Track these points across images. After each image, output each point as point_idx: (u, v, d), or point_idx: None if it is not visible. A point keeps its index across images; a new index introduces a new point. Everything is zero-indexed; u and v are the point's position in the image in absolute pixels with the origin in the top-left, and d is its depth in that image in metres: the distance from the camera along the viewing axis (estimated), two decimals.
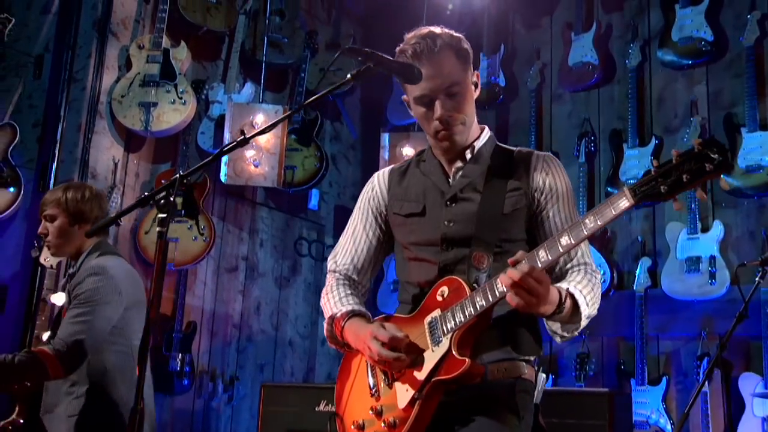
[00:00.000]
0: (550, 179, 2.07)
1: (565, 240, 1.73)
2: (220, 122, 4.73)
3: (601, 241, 4.87)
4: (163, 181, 4.46)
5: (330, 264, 2.29)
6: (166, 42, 4.42)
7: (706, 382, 4.24)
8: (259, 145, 4.59)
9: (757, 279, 3.18)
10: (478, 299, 1.84)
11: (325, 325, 2.17)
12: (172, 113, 4.28)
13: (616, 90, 5.06)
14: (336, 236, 5.74)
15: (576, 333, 1.95)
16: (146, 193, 1.77)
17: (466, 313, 1.86)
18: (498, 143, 2.18)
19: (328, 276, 2.28)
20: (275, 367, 5.31)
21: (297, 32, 5.32)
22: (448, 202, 2.07)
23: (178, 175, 1.74)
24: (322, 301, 2.22)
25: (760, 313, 4.18)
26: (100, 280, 2.67)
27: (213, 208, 4.98)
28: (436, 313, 1.95)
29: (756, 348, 4.23)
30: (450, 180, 2.11)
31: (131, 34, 4.54)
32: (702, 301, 4.41)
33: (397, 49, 2.07)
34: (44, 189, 4.03)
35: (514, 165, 2.09)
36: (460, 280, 1.94)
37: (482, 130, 2.17)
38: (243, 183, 4.70)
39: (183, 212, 4.39)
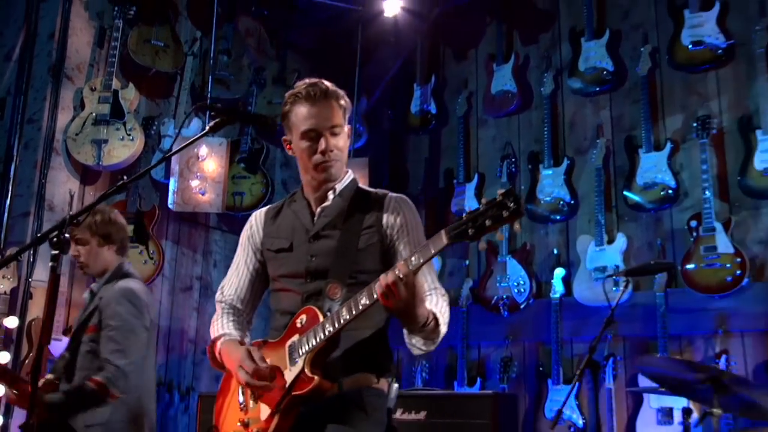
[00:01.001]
0: (401, 218, 2.32)
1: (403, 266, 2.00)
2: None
3: (522, 254, 5.32)
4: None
5: (218, 296, 2.53)
6: (116, 84, 4.86)
7: (608, 380, 4.75)
8: (204, 175, 5.04)
9: (620, 289, 3.62)
10: (327, 326, 2.11)
11: (207, 349, 2.48)
12: (122, 149, 4.73)
13: (534, 115, 5.52)
14: None
15: (432, 348, 2.21)
16: (39, 234, 2.19)
17: (317, 338, 2.12)
18: (359, 186, 2.44)
19: (216, 306, 2.53)
20: None
21: (243, 69, 5.78)
22: (312, 239, 2.32)
23: (67, 216, 2.13)
24: (210, 329, 2.48)
25: (656, 316, 4.65)
26: (134, 305, 3.14)
27: (167, 233, 5.42)
28: (295, 338, 2.20)
29: (654, 347, 4.67)
30: (315, 219, 2.36)
31: (85, 76, 4.99)
32: (608, 306, 4.83)
33: (289, 92, 2.35)
34: None
35: (370, 205, 2.35)
36: (315, 309, 2.19)
37: (346, 174, 2.41)
38: (191, 210, 5.14)
39: (134, 238, 4.81)
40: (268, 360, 2.19)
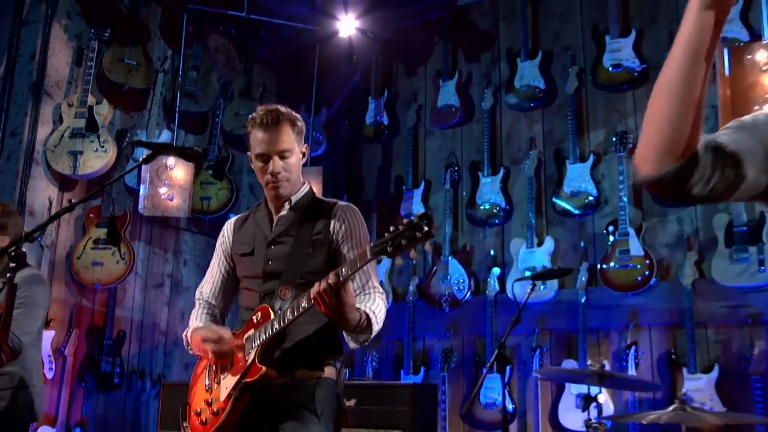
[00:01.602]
0: (345, 225, 2.60)
1: (345, 269, 2.26)
2: None
3: (462, 255, 5.85)
4: (91, 215, 5.43)
5: (197, 293, 2.86)
6: (91, 100, 5.36)
7: (535, 369, 5.27)
8: (172, 183, 5.54)
9: (528, 291, 4.12)
10: (275, 323, 2.42)
11: (183, 338, 2.78)
12: (96, 159, 5.23)
13: (475, 128, 6.03)
14: None
15: (365, 343, 2.49)
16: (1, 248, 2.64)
17: (266, 333, 2.43)
18: (315, 196, 2.75)
19: (195, 302, 2.85)
20: None
21: (211, 84, 6.29)
22: (269, 245, 2.64)
23: (24, 233, 2.62)
24: (189, 321, 2.82)
25: (578, 312, 5.17)
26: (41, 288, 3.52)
27: (141, 234, 5.93)
28: (251, 332, 2.51)
29: (575, 340, 5.20)
30: (272, 227, 2.67)
31: (64, 93, 5.49)
32: (537, 303, 5.36)
33: (249, 116, 2.64)
34: None
35: (321, 213, 2.65)
36: (268, 307, 2.49)
37: (302, 185, 2.71)
38: (160, 214, 5.64)
39: (108, 240, 5.31)
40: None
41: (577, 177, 5.38)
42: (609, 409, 4.91)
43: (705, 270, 4.84)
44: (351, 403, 4.05)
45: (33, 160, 5.22)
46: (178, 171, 5.64)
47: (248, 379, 2.46)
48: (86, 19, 5.65)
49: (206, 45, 6.43)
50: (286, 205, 2.68)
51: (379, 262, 5.40)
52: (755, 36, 4.86)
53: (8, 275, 2.45)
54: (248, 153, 2.71)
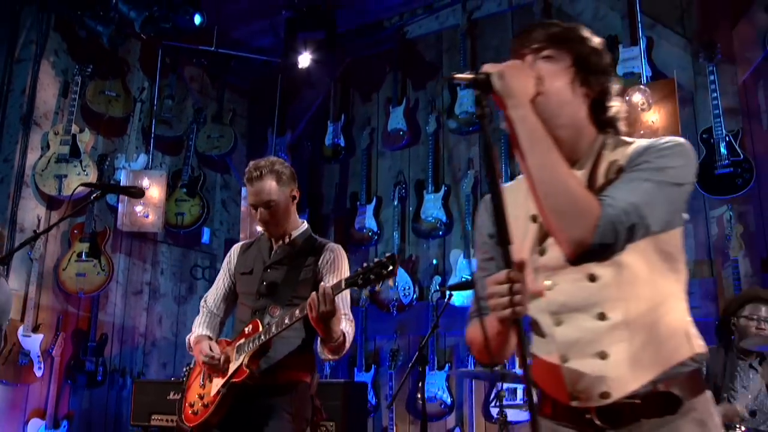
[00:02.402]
0: (331, 260, 3.11)
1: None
2: None
3: (408, 264, 6.52)
4: (75, 231, 6.11)
5: (202, 302, 3.35)
6: (74, 129, 6.04)
7: (470, 367, 5.93)
8: (147, 201, 6.23)
9: (436, 300, 4.78)
10: (262, 336, 2.91)
11: (187, 340, 3.28)
12: (77, 181, 5.89)
13: (421, 149, 6.70)
14: None
15: (338, 358, 3.00)
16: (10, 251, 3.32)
17: (254, 343, 2.92)
18: (312, 234, 3.25)
19: (200, 309, 3.34)
20: (176, 365, 6.94)
21: (185, 111, 6.98)
22: (266, 269, 3.14)
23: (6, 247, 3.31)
24: (193, 325, 3.30)
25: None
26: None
27: (121, 246, 6.61)
28: (242, 340, 2.99)
29: None
30: (271, 254, 3.18)
31: (51, 122, 6.18)
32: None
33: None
34: None
35: (314, 250, 3.16)
36: (258, 322, 2.98)
37: (301, 224, 3.24)
38: (136, 230, 6.33)
39: (89, 253, 5.99)
40: (224, 352, 3.06)
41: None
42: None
43: None
44: None
45: (23, 182, 5.91)
46: (153, 190, 6.32)
47: (235, 379, 2.97)
48: (72, 55, 6.34)
49: (182, 75, 7.13)
50: (286, 239, 3.20)
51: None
52: (658, 73, 5.55)
53: None
54: None
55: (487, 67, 1.69)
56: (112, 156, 6.46)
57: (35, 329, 5.82)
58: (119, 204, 6.21)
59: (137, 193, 3.42)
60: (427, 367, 6.14)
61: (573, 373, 1.71)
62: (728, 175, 5.03)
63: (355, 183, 7.01)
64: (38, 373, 5.73)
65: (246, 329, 3.01)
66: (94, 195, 3.41)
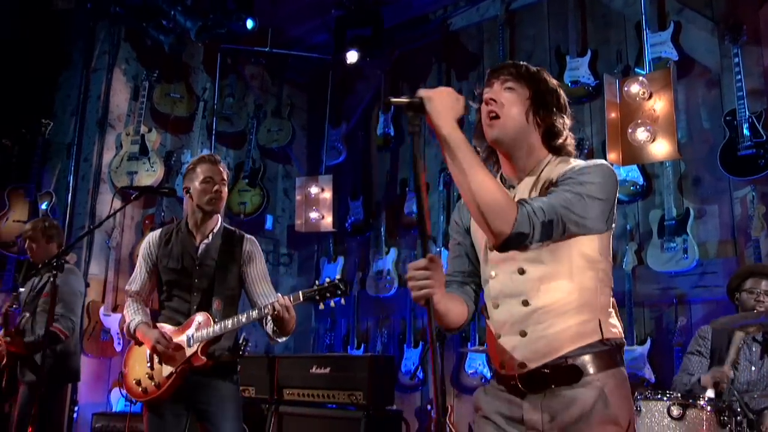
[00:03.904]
0: (251, 251, 3.65)
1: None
2: None
3: None
4: (147, 221, 6.77)
5: (127, 288, 3.72)
6: (143, 129, 6.68)
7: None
8: None
9: None
10: (216, 328, 3.39)
11: (125, 327, 3.63)
12: (147, 177, 6.54)
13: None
14: (289, 248, 7.99)
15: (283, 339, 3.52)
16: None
17: (208, 334, 3.40)
18: (225, 226, 3.71)
19: (127, 295, 3.70)
20: None
21: (245, 107, 7.53)
22: (197, 266, 3.56)
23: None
24: (125, 311, 3.66)
25: None
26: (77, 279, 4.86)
27: None
28: (192, 330, 3.44)
29: None
30: (199, 251, 3.59)
31: (124, 124, 6.85)
32: None
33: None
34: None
35: (234, 242, 3.65)
36: (208, 315, 3.46)
37: (218, 219, 3.69)
38: None
39: None
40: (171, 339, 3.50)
41: None
42: None
43: (643, 257, 5.67)
44: (326, 370, 5.19)
45: (101, 179, 6.60)
46: None
47: (192, 364, 3.44)
48: (141, 62, 6.99)
49: (243, 73, 7.68)
50: (210, 235, 3.66)
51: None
52: (685, 56, 5.65)
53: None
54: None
55: (421, 92, 2.04)
56: (178, 152, 7.07)
57: (114, 309, 6.51)
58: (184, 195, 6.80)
59: (169, 192, 3.94)
60: (468, 344, 6.58)
61: (502, 347, 2.12)
62: (751, 156, 5.12)
63: (405, 170, 7.39)
64: (117, 348, 6.43)
65: (196, 321, 3.48)
66: (133, 196, 3.94)
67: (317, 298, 3.34)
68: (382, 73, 7.57)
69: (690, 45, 5.67)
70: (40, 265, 4.62)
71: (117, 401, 6.40)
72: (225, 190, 3.68)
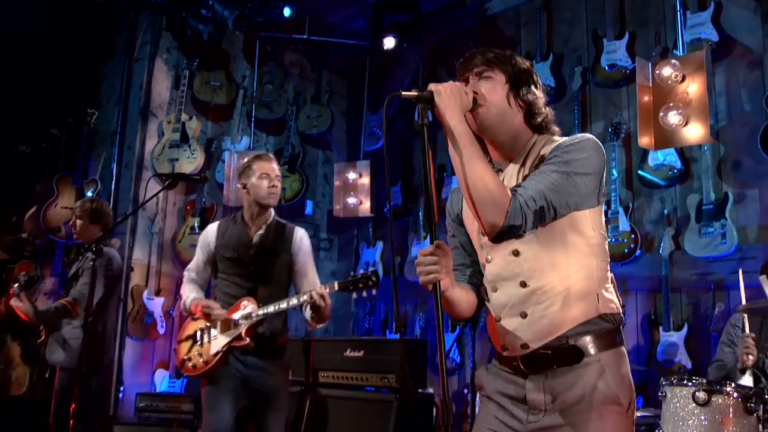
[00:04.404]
0: (300, 243, 4.03)
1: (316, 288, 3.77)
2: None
3: None
4: (188, 208, 6.93)
5: (186, 274, 4.11)
6: (184, 117, 6.83)
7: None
8: None
9: None
10: (260, 311, 3.75)
11: (181, 304, 4.06)
12: (187, 164, 6.69)
13: None
14: (329, 233, 8.09)
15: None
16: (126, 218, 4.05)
17: (252, 318, 3.76)
18: (278, 219, 4.10)
19: (185, 275, 4.12)
20: None
21: (284, 94, 7.62)
22: (251, 254, 3.91)
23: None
24: (182, 289, 4.06)
25: None
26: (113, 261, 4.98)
27: None
28: (240, 312, 3.81)
29: None
30: (253, 241, 3.96)
31: (165, 112, 7.01)
32: None
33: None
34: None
35: (286, 234, 4.03)
36: (254, 300, 3.82)
37: (272, 212, 4.09)
38: (240, 205, 7.04)
39: (200, 227, 6.77)
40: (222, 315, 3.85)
41: None
42: None
43: (680, 242, 5.58)
44: (361, 353, 5.26)
45: (143, 166, 6.78)
46: None
47: (236, 344, 3.79)
48: (181, 51, 7.13)
49: (282, 61, 7.76)
50: (264, 227, 4.02)
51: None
52: (726, 37, 5.52)
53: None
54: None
55: (431, 86, 2.11)
56: (219, 139, 7.21)
57: (157, 293, 6.70)
58: (225, 182, 6.95)
59: (201, 179, 4.06)
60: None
61: (503, 329, 2.16)
62: None
63: (443, 155, 7.39)
64: (161, 331, 6.62)
65: (243, 304, 3.82)
66: (166, 183, 4.07)
67: (351, 288, 3.61)
68: (420, 58, 7.57)
69: (731, 25, 5.54)
70: (82, 249, 4.80)
71: (161, 382, 6.60)
72: (280, 185, 4.03)
